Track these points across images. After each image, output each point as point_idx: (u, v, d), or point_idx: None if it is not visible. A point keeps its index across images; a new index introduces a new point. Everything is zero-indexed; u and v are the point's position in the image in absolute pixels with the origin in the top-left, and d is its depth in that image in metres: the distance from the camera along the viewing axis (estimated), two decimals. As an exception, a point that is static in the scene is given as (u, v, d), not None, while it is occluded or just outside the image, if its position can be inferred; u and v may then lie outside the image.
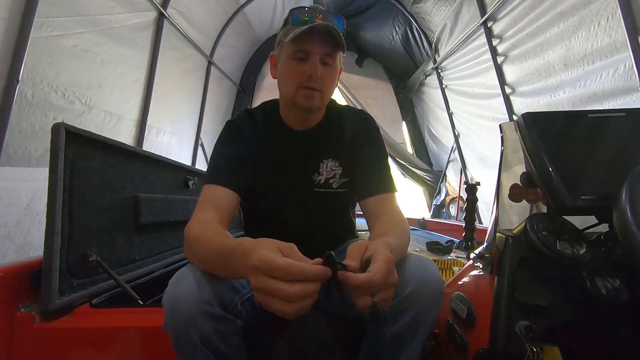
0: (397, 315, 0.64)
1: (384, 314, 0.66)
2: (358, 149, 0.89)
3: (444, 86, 3.67)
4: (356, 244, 0.58)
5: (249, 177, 0.85)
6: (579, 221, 0.66)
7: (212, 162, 0.85)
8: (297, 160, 0.88)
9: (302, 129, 0.89)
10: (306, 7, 0.82)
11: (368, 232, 0.82)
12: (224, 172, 0.81)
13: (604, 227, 0.66)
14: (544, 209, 0.70)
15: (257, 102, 3.52)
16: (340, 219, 0.97)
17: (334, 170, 0.89)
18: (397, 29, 4.01)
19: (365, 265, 0.52)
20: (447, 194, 4.19)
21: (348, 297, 0.74)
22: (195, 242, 0.67)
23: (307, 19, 0.79)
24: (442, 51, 3.50)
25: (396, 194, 0.86)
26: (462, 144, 3.58)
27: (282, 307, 0.48)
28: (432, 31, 3.60)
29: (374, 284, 0.50)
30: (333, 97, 0.92)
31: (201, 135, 3.89)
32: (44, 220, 0.84)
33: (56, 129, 0.87)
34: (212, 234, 0.66)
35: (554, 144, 0.67)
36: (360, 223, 0.93)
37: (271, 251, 0.50)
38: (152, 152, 1.39)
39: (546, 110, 1.93)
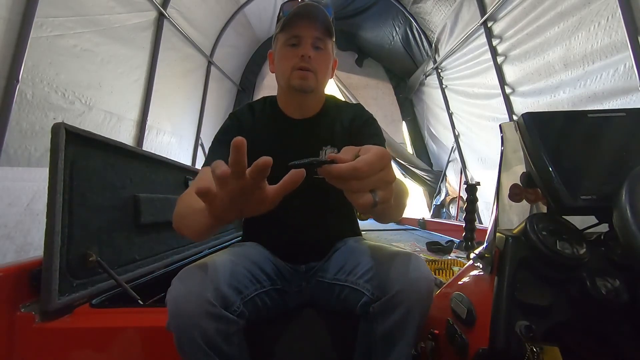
0: (385, 313, 0.64)
1: (373, 312, 0.66)
2: (356, 136, 0.90)
3: (444, 86, 3.67)
4: (349, 147, 0.49)
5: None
6: (579, 221, 0.66)
7: (210, 148, 0.90)
8: (297, 148, 0.89)
9: (300, 118, 0.91)
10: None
11: (370, 233, 0.82)
12: (219, 157, 0.83)
13: (604, 227, 0.66)
14: (544, 209, 0.70)
15: (257, 102, 3.52)
16: (339, 208, 0.96)
17: None
18: (397, 29, 4.01)
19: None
20: (447, 194, 4.19)
21: (347, 296, 0.74)
22: (179, 201, 0.71)
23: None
24: (442, 51, 3.50)
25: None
26: (462, 144, 3.59)
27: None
28: (432, 31, 3.60)
29: (358, 172, 0.42)
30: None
31: (201, 135, 3.90)
32: (44, 220, 0.84)
33: (56, 129, 0.87)
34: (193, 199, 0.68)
35: (554, 144, 0.66)
36: (363, 224, 0.92)
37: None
38: (152, 152, 1.39)
39: (546, 110, 1.93)
